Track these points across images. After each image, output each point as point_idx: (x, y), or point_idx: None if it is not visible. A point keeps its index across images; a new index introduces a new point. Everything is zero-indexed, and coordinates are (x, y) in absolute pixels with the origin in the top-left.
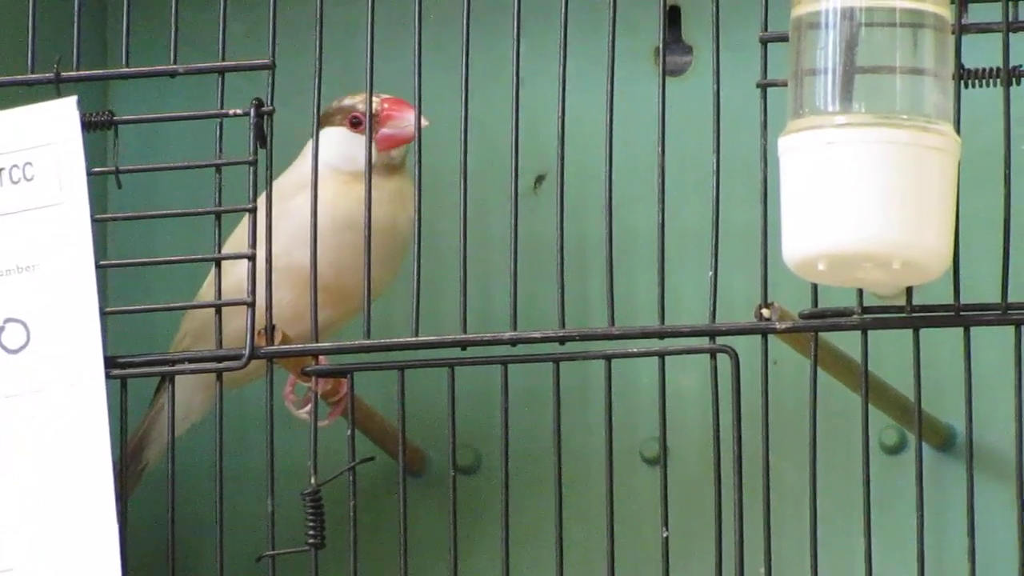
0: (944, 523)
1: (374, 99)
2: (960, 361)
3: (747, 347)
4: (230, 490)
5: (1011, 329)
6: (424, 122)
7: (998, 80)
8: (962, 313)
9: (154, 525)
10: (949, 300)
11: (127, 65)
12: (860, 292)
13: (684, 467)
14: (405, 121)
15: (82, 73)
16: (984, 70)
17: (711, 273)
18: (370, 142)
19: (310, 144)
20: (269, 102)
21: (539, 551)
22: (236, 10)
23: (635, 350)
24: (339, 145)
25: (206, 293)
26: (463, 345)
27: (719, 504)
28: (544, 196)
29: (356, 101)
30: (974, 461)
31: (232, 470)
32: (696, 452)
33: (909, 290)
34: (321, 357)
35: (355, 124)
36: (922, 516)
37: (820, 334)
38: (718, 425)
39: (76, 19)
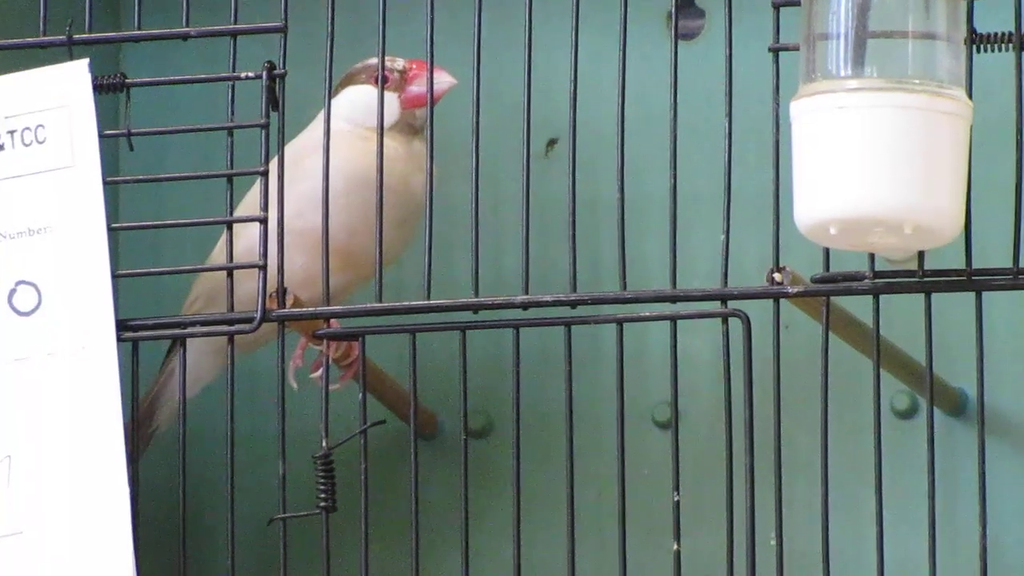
0: (956, 488)
1: (401, 60)
2: (972, 326)
3: (759, 311)
4: (241, 453)
5: (1022, 294)
6: (451, 80)
7: (1010, 45)
8: (974, 278)
9: (165, 488)
10: (961, 265)
11: (139, 28)
12: (872, 256)
13: (696, 431)
14: (438, 79)
15: (94, 35)
16: (996, 35)
17: (723, 237)
18: (382, 105)
19: (322, 110)
20: (281, 65)
21: (551, 515)
22: None
23: (647, 314)
24: (364, 103)
25: (218, 256)
26: (475, 308)
27: (731, 468)
28: (556, 160)
29: (393, 61)
30: (985, 426)
31: (243, 433)
32: (708, 416)
33: (921, 254)
34: (333, 320)
35: (378, 81)
36: (933, 481)
37: (832, 298)
38: (730, 389)
39: None
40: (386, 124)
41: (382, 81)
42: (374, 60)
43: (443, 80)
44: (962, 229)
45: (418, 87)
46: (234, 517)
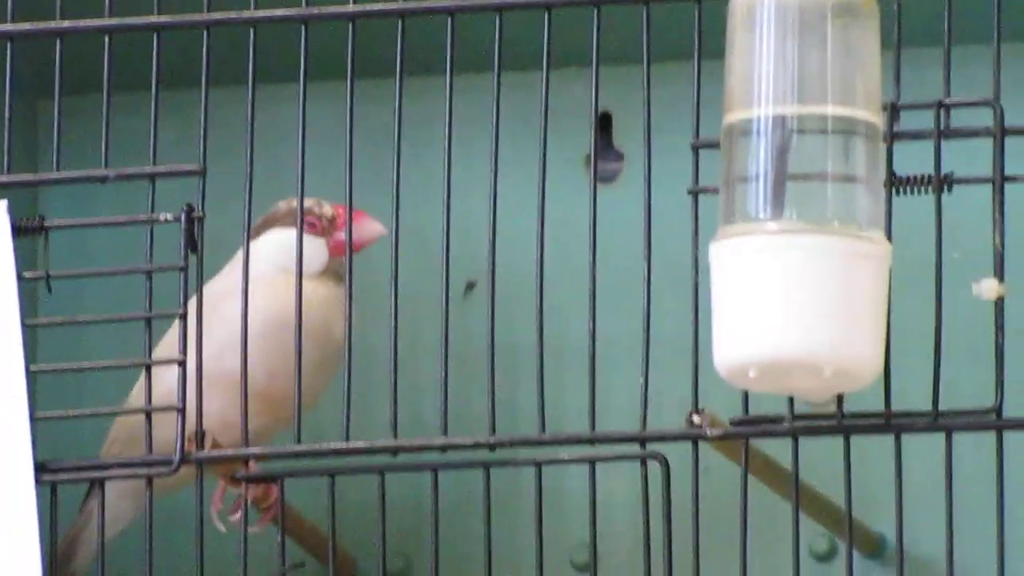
0: None
1: (329, 206)
2: (891, 468)
3: (678, 454)
4: None
5: (942, 436)
6: (380, 228)
7: (930, 187)
8: (893, 420)
9: None
10: (880, 407)
11: (57, 169)
12: (791, 399)
13: (615, 574)
14: (364, 228)
15: (12, 178)
16: (916, 177)
17: (642, 380)
18: (300, 249)
19: (241, 251)
20: (200, 208)
21: None
22: (167, 115)
23: (565, 456)
24: (291, 246)
25: (136, 399)
26: (394, 451)
27: None
28: (475, 303)
29: (309, 204)
30: (905, 568)
31: None
32: (627, 559)
33: (840, 397)
34: (251, 463)
35: (309, 226)
36: None
37: (751, 441)
38: (648, 532)
39: (7, 124)
40: (314, 270)
41: (301, 226)
42: (284, 203)
43: (373, 228)
44: (881, 372)
45: (344, 234)
46: None
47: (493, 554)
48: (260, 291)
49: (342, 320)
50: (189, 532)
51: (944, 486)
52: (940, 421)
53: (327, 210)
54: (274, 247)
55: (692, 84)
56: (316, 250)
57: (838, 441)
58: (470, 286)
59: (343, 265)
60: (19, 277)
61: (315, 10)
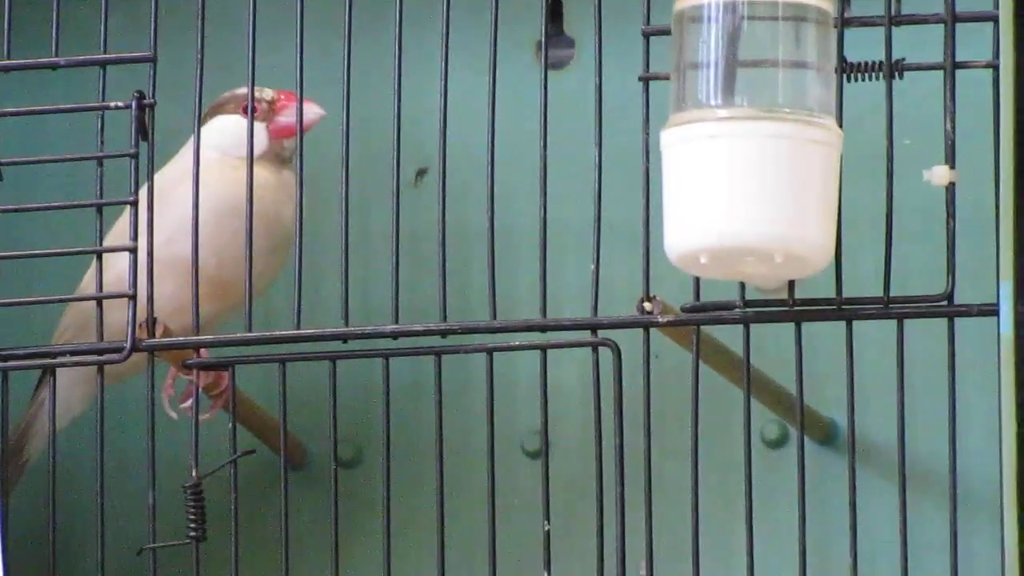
0: (826, 517)
1: (269, 91)
2: (842, 355)
3: (629, 341)
4: (111, 483)
5: (893, 323)
6: (319, 111)
7: (881, 74)
8: (844, 307)
9: (36, 519)
10: (831, 294)
11: (8, 57)
12: (742, 286)
13: (566, 461)
14: (304, 111)
15: None
16: (867, 64)
17: (593, 266)
18: (251, 135)
19: (191, 139)
20: (151, 95)
21: (420, 544)
22: (117, 3)
23: (517, 343)
24: (232, 132)
25: (88, 286)
26: (344, 338)
27: (601, 498)
28: (426, 189)
29: (262, 92)
30: (856, 455)
31: (113, 463)
32: (578, 446)
33: (791, 284)
34: (202, 350)
35: (246, 111)
36: (804, 510)
37: (702, 328)
38: (600, 419)
39: None
40: (256, 153)
41: (252, 111)
42: (243, 89)
43: (312, 111)
44: (832, 258)
45: (286, 117)
46: (104, 547)
47: (444, 441)
48: (208, 178)
49: (291, 206)
50: (140, 420)
51: (896, 372)
52: (891, 308)
53: (267, 94)
54: (217, 133)
55: None
56: (257, 134)
57: (789, 328)
58: (421, 172)
59: (287, 150)
60: None
61: None
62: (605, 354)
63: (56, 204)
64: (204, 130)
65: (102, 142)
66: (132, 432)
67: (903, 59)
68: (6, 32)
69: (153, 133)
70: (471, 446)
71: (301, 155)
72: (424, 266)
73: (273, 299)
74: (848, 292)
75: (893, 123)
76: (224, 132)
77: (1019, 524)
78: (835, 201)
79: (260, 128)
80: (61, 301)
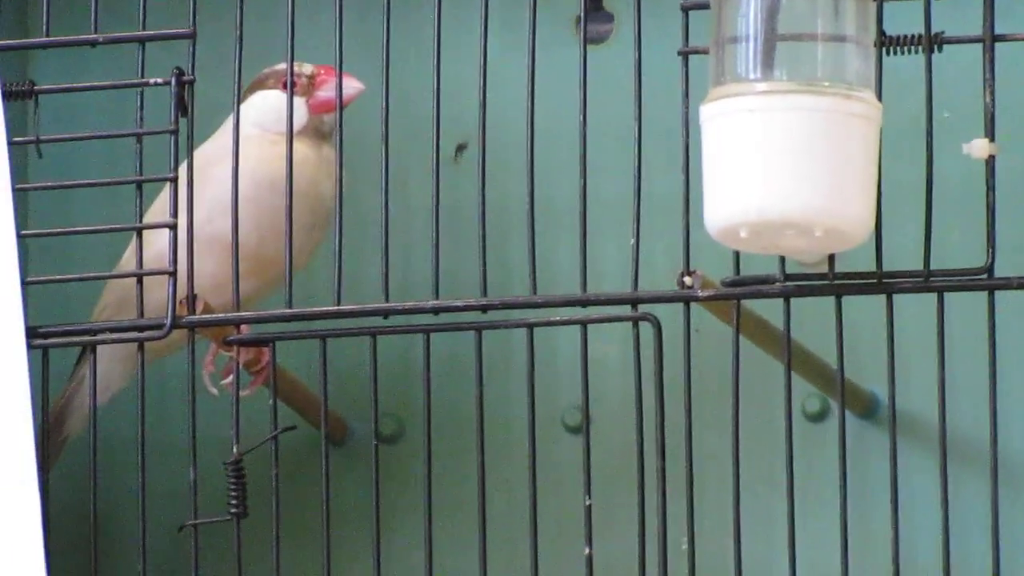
0: (867, 490)
1: (309, 66)
2: (882, 329)
3: (669, 315)
4: (152, 460)
5: (933, 296)
6: (359, 86)
7: (920, 47)
8: (884, 280)
9: (76, 496)
10: (871, 267)
11: (47, 35)
12: (782, 260)
13: (607, 435)
14: (344, 85)
15: (2, 43)
16: (906, 37)
17: (633, 241)
18: (291, 110)
19: (231, 116)
20: (190, 71)
21: (462, 520)
22: None
23: (557, 318)
24: (272, 107)
25: (127, 263)
26: (385, 314)
27: (642, 472)
28: (466, 165)
29: (301, 66)
30: (897, 428)
31: (154, 440)
32: (618, 420)
33: (831, 257)
34: (243, 326)
35: (286, 86)
36: (845, 484)
37: (742, 302)
38: (640, 393)
39: None
40: (296, 128)
41: (291, 86)
42: (282, 65)
43: (351, 86)
44: (872, 232)
45: (326, 92)
46: (145, 524)
47: (485, 416)
48: (248, 154)
49: (330, 182)
50: (181, 396)
51: (936, 346)
52: (931, 281)
53: (307, 69)
54: (255, 109)
55: None
56: (297, 109)
57: (830, 301)
58: (460, 148)
59: (327, 124)
60: (9, 142)
61: None
62: (645, 329)
63: (95, 181)
64: (244, 106)
65: (141, 119)
66: (173, 409)
67: (942, 32)
68: (45, 10)
69: (193, 110)
70: (512, 421)
71: (341, 131)
72: (464, 241)
73: (313, 275)
74: (888, 266)
75: (932, 96)
76: (264, 108)
77: None
78: (875, 174)
79: (300, 103)
80: (101, 278)
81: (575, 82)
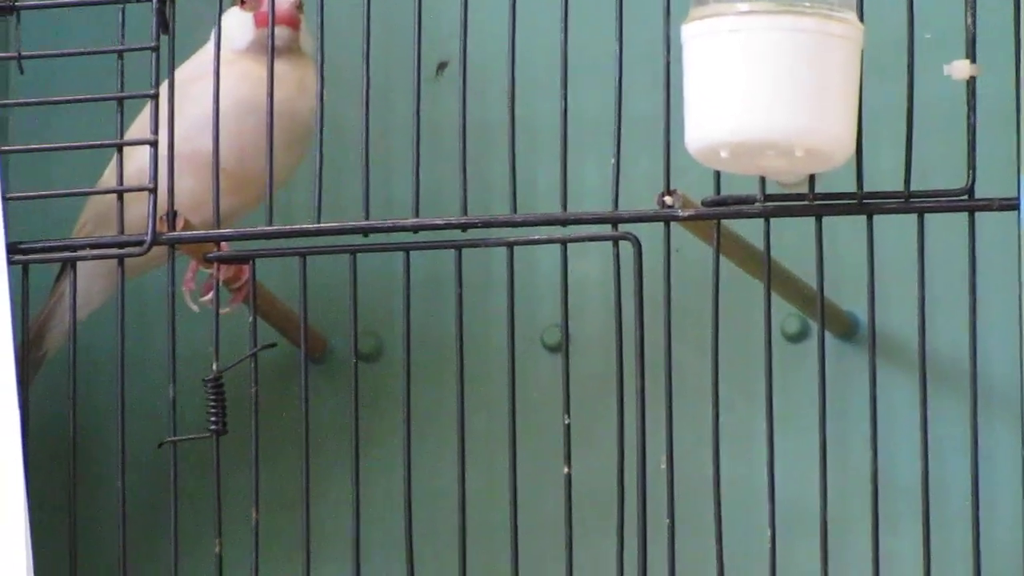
0: (846, 411)
1: None
2: (863, 250)
3: (650, 234)
4: (132, 377)
5: (913, 217)
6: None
7: None
8: (865, 201)
9: (56, 412)
10: (852, 189)
11: None
12: (763, 180)
13: (586, 355)
14: None
15: None
16: None
17: (613, 161)
18: (272, 26)
19: (213, 33)
20: None
21: (441, 438)
22: None
23: (537, 237)
24: (229, 25)
25: (108, 179)
26: (365, 232)
27: (621, 391)
28: (447, 83)
29: None
30: (876, 349)
31: (134, 357)
32: (598, 340)
33: (812, 178)
34: (223, 243)
35: (243, 2)
36: (824, 404)
37: (723, 222)
38: (620, 312)
39: None
40: (242, 45)
41: (273, 7)
42: None
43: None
44: (853, 153)
45: (268, 7)
46: (125, 440)
47: (465, 334)
48: (227, 72)
49: (308, 100)
50: (161, 313)
51: (916, 267)
52: (912, 202)
53: None
54: (224, 28)
55: None
56: (243, 25)
57: (810, 222)
58: (442, 66)
59: (280, 39)
60: None
61: None
62: (625, 248)
63: (76, 98)
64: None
65: (123, 36)
66: (152, 326)
67: None
68: None
69: (174, 27)
70: (491, 340)
71: (322, 48)
72: (445, 160)
73: (293, 193)
74: (869, 187)
75: (914, 17)
76: (227, 26)
77: None
78: (856, 95)
79: (247, 18)
80: (81, 195)
81: (557, 1)
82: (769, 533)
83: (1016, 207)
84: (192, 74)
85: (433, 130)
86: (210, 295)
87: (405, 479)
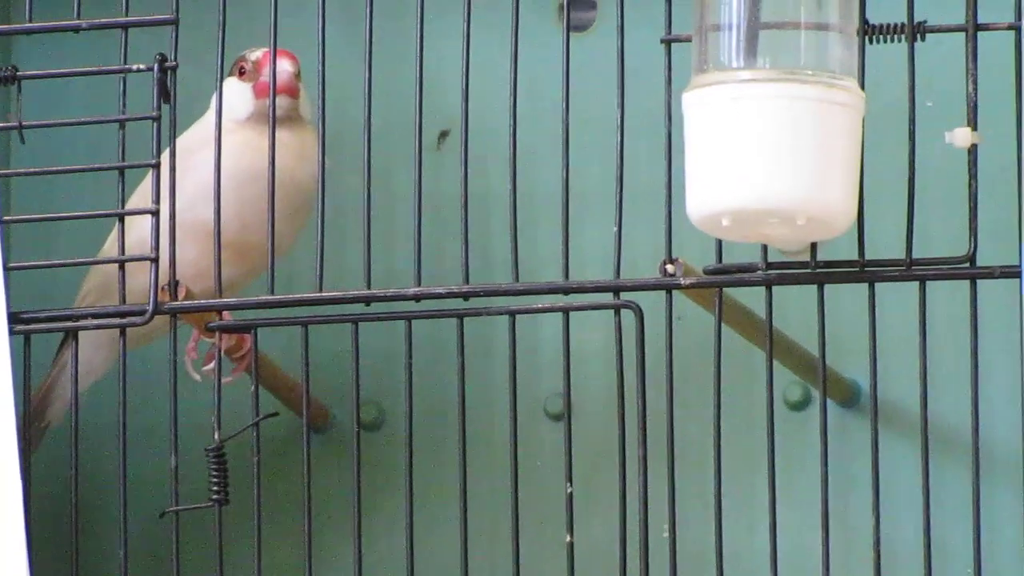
0: (849, 479)
1: (259, 51)
2: (864, 317)
3: (652, 303)
4: (134, 447)
5: (915, 285)
6: (289, 68)
7: (903, 36)
8: (866, 269)
9: (58, 482)
10: (854, 256)
11: (30, 20)
12: (765, 248)
13: (588, 423)
14: (278, 69)
15: None
16: (889, 26)
17: (615, 228)
18: (274, 97)
19: (213, 101)
20: (173, 57)
21: (444, 507)
22: None
23: (539, 306)
24: (228, 94)
25: (110, 249)
26: (367, 300)
27: (623, 460)
28: (448, 152)
29: (252, 53)
30: (878, 417)
31: (136, 427)
32: (600, 408)
33: (813, 246)
34: (225, 313)
35: (242, 73)
36: (826, 472)
37: (725, 290)
38: (622, 381)
39: None
40: (243, 116)
41: (273, 77)
42: (246, 52)
43: (282, 68)
44: (855, 220)
45: (265, 77)
46: (126, 510)
47: (467, 404)
48: (226, 142)
49: (310, 168)
50: (163, 383)
51: (918, 335)
52: (914, 270)
53: (254, 55)
54: (219, 98)
55: None
56: (243, 95)
57: (812, 290)
58: (443, 135)
59: (282, 108)
60: None
61: None
62: (628, 316)
63: (78, 167)
64: (215, 96)
65: (124, 105)
66: (154, 395)
67: (925, 21)
68: None
69: (175, 96)
70: (494, 409)
71: (324, 116)
72: (446, 229)
73: (295, 262)
74: (870, 254)
75: (915, 85)
76: (225, 96)
77: None
78: (857, 163)
79: (246, 89)
80: (83, 264)
81: (558, 69)
82: None
83: (1018, 275)
84: (193, 143)
85: (435, 199)
86: (212, 364)
87: (407, 548)
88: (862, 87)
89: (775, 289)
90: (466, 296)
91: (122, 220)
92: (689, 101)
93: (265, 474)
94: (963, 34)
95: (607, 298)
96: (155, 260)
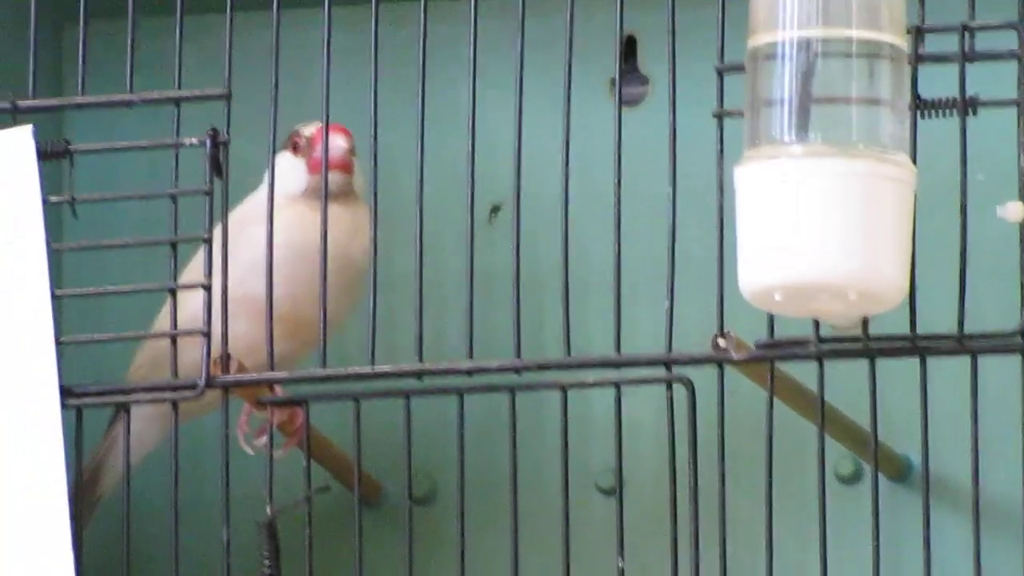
0: (900, 554)
1: (312, 126)
2: (916, 391)
3: (703, 377)
4: (186, 520)
5: (967, 359)
6: (343, 144)
7: (954, 110)
8: (918, 343)
9: (110, 556)
10: (905, 330)
11: (83, 94)
12: (816, 322)
13: (640, 498)
14: (332, 145)
15: (37, 102)
16: (940, 100)
17: (667, 303)
18: (326, 172)
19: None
20: (225, 132)
21: None
22: (192, 38)
23: (591, 380)
24: (281, 169)
25: (162, 323)
26: (419, 375)
27: (675, 535)
28: (500, 226)
29: (305, 128)
30: (930, 492)
31: (187, 500)
32: (652, 483)
33: (865, 320)
34: (276, 387)
35: (296, 148)
36: (878, 547)
37: (776, 364)
38: (674, 455)
39: (32, 47)
40: (297, 191)
41: (326, 151)
42: (299, 127)
43: (335, 144)
44: (907, 294)
45: (318, 152)
46: None
47: (519, 478)
48: (278, 217)
49: (362, 243)
50: (215, 456)
51: (970, 408)
52: (965, 344)
53: (308, 130)
54: (275, 172)
55: (717, 7)
56: (297, 171)
57: (863, 364)
58: (495, 210)
59: (335, 184)
60: (44, 201)
61: None
62: (679, 390)
63: (130, 241)
64: (269, 171)
65: (177, 178)
66: (206, 469)
67: (977, 95)
68: (81, 68)
69: (227, 170)
70: (545, 482)
71: (376, 191)
72: (498, 303)
73: (347, 336)
74: (922, 328)
75: (967, 159)
76: (278, 171)
77: None
78: (909, 237)
79: (300, 164)
80: (135, 338)
81: (610, 144)
82: None
83: None
84: (246, 218)
85: (486, 273)
86: (264, 438)
87: None
88: (914, 161)
89: (826, 363)
90: (518, 370)
91: (174, 294)
92: (741, 176)
93: (317, 548)
94: (1015, 108)
95: (659, 372)
96: (207, 334)
